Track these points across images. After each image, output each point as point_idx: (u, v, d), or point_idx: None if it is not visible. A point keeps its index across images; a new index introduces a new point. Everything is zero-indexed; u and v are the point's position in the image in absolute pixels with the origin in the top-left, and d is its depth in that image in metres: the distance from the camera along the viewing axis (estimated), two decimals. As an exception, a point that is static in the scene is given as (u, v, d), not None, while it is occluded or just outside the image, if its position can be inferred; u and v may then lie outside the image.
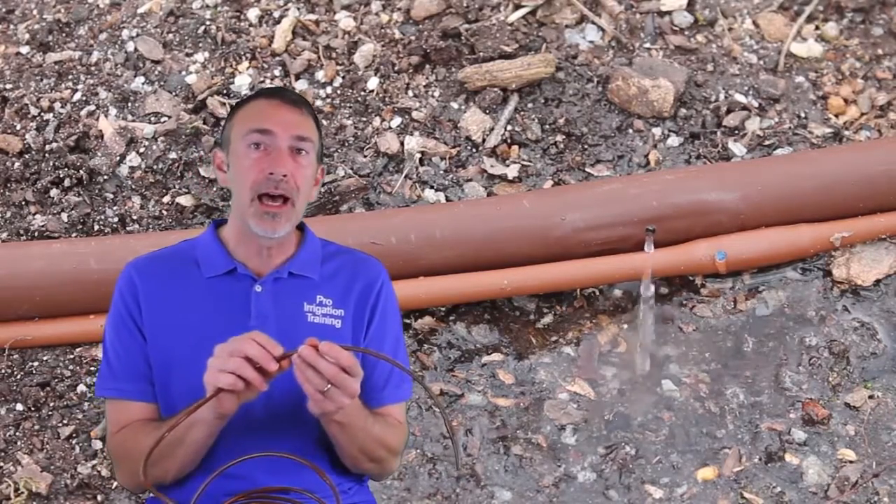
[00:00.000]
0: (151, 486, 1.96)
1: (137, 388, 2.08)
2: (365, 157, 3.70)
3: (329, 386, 1.86)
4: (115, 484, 3.11)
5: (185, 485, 2.05)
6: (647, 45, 3.94)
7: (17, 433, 3.21)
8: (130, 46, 3.94)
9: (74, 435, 3.21)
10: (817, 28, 4.02)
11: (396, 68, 3.86)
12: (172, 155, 3.69)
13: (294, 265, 2.13)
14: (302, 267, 2.14)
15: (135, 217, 3.59)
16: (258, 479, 2.04)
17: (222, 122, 2.80)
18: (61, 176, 3.62)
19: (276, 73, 3.86)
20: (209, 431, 1.97)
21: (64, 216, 3.57)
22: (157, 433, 1.94)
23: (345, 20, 3.98)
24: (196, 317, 2.07)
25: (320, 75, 3.87)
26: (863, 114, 3.82)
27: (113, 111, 3.79)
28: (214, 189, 3.61)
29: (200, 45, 3.95)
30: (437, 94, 3.82)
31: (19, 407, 3.26)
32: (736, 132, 3.75)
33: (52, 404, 3.26)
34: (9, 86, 3.88)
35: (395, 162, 3.70)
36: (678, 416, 3.26)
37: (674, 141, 3.74)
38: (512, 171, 3.66)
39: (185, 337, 2.06)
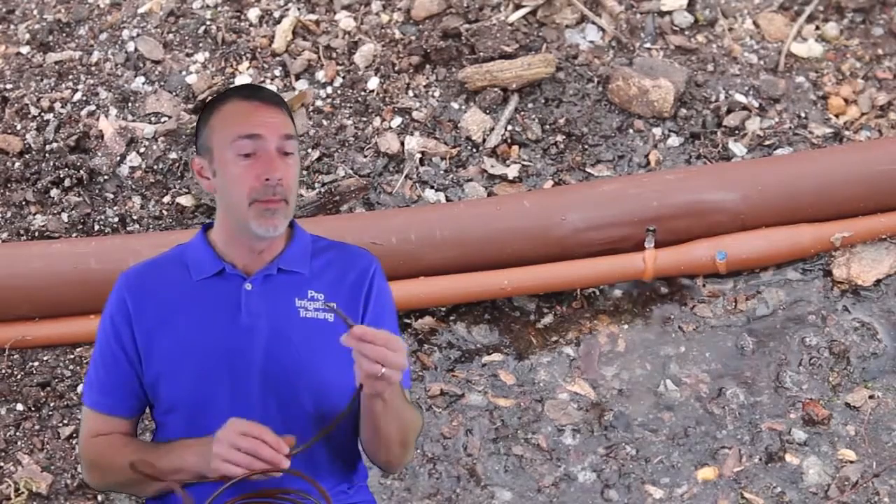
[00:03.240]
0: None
1: (113, 404, 2.13)
2: (365, 157, 3.70)
3: (383, 369, 1.86)
4: (115, 484, 3.12)
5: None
6: (648, 45, 3.94)
7: (18, 433, 3.21)
8: (131, 46, 3.94)
9: (75, 435, 3.20)
10: (817, 28, 4.02)
11: (397, 68, 3.86)
12: (173, 155, 3.69)
13: (283, 261, 2.12)
14: (291, 262, 2.13)
15: (135, 217, 3.59)
16: (256, 480, 2.04)
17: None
18: (61, 176, 3.62)
19: (277, 73, 3.86)
20: (193, 479, 2.02)
21: (64, 216, 3.57)
22: (136, 452, 2.04)
23: (345, 20, 3.98)
24: (187, 320, 2.08)
25: (320, 75, 3.87)
26: (863, 114, 3.82)
27: (113, 111, 3.79)
28: (214, 189, 3.61)
29: (201, 45, 3.95)
30: (437, 94, 3.82)
31: (19, 407, 3.26)
32: (736, 132, 3.75)
33: (52, 404, 3.26)
34: (9, 86, 3.88)
35: (396, 162, 3.70)
36: (678, 416, 3.26)
37: (674, 141, 3.74)
38: (512, 171, 3.66)
39: (178, 342, 2.07)
